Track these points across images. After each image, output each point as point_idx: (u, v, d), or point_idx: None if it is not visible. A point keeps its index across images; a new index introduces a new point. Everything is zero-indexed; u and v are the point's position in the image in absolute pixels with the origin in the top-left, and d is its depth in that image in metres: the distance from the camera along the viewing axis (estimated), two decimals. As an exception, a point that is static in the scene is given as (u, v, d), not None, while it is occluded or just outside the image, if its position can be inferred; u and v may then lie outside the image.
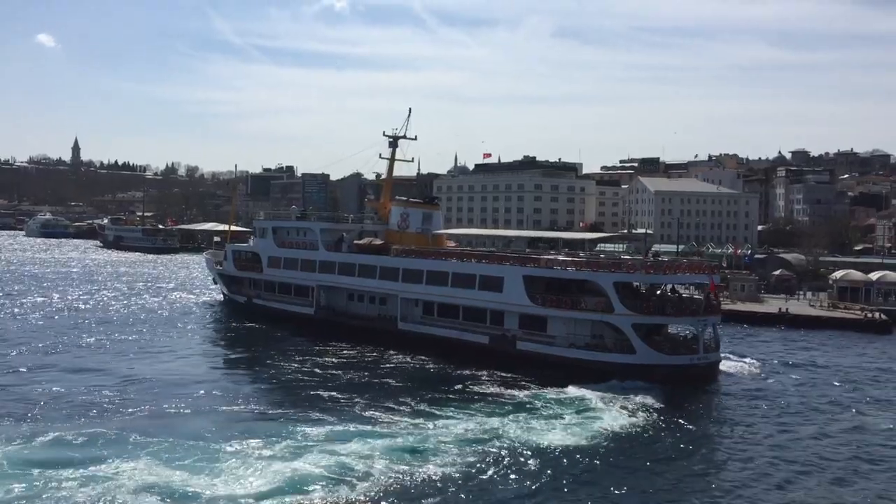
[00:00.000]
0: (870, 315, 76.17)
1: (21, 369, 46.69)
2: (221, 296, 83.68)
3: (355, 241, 66.86)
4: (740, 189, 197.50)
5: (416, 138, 73.08)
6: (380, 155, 73.37)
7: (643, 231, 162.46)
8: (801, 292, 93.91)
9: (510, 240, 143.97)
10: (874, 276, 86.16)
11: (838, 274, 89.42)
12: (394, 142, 72.52)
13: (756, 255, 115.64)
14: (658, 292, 52.08)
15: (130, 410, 38.15)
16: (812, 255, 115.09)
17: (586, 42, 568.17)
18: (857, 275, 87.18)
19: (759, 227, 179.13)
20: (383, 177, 75.72)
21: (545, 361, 49.24)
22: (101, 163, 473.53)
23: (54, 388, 41.82)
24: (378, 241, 65.71)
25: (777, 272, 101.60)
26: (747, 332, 70.01)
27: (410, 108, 73.00)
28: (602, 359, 48.18)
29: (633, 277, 51.13)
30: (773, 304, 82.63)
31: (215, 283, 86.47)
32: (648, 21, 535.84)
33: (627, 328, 48.10)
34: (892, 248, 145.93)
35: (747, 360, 55.07)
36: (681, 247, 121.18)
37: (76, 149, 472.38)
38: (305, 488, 28.49)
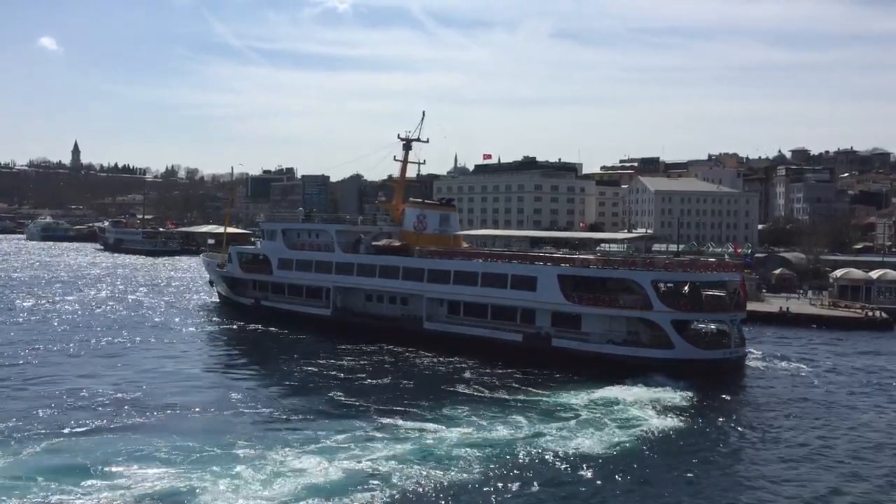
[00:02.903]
0: (871, 313, 76.15)
1: (28, 375, 46.06)
2: (217, 298, 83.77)
3: (373, 243, 67.04)
4: (740, 188, 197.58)
5: (427, 141, 73.93)
6: (394, 157, 73.89)
7: (644, 231, 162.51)
8: (802, 291, 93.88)
9: (511, 240, 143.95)
10: (875, 274, 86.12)
11: (839, 272, 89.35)
12: (407, 144, 72.86)
13: (756, 254, 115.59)
14: (685, 290, 53.05)
15: (143, 415, 37.69)
16: (812, 253, 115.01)
17: (585, 43, 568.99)
18: (857, 273, 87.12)
19: (760, 226, 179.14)
20: (395, 177, 75.70)
21: (582, 358, 50.04)
22: (101, 166, 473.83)
23: (62, 393, 41.47)
24: (396, 243, 65.99)
25: (777, 271, 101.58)
26: (749, 332, 69.79)
27: (424, 112, 73.47)
28: (641, 354, 49.17)
29: (670, 276, 52.30)
30: (773, 304, 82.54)
31: (212, 285, 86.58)
32: (646, 22, 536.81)
33: (666, 324, 49.28)
34: (893, 246, 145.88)
35: (763, 358, 55.98)
36: (681, 246, 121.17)
37: (76, 152, 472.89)
38: (324, 495, 27.91)
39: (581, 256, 59.71)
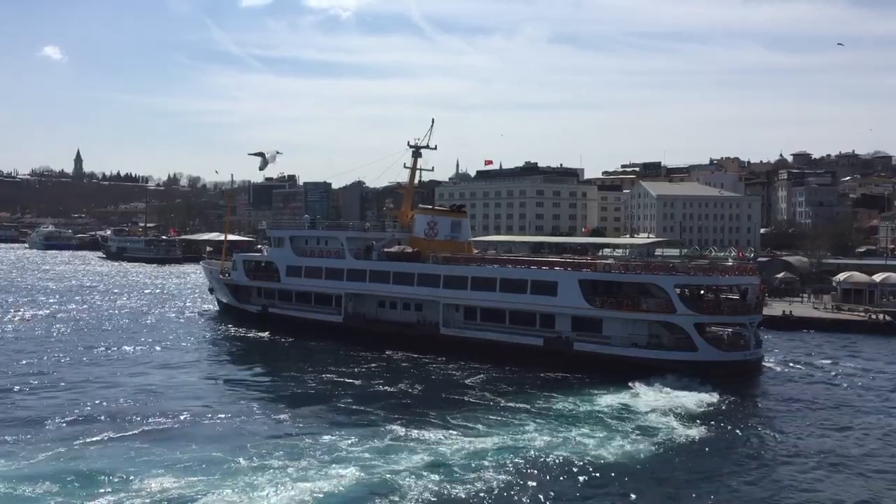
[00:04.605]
0: (874, 317, 75.93)
1: (36, 384, 45.74)
2: (217, 305, 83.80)
3: (385, 249, 67.27)
4: (742, 192, 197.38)
5: (436, 148, 74.17)
6: (404, 165, 74.22)
7: (646, 236, 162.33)
8: (805, 294, 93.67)
9: (513, 245, 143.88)
10: (878, 277, 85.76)
11: (842, 276, 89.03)
12: (416, 151, 73.19)
13: (759, 258, 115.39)
14: (701, 293, 53.93)
15: (155, 423, 37.47)
16: (815, 257, 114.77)
17: (583, 48, 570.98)
18: (860, 276, 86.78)
19: (762, 230, 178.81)
20: (403, 184, 75.88)
21: (604, 361, 50.54)
22: (104, 174, 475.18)
23: (72, 401, 41.34)
24: (409, 249, 66.25)
25: (780, 275, 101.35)
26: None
27: (433, 119, 74.09)
28: (665, 357, 49.76)
29: (693, 279, 53.13)
30: (776, 307, 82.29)
31: (212, 292, 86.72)
32: (644, 26, 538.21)
33: (690, 327, 50.07)
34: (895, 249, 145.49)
35: (773, 361, 56.38)
36: (684, 250, 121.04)
37: (78, 160, 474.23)
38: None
39: (602, 261, 60.86)
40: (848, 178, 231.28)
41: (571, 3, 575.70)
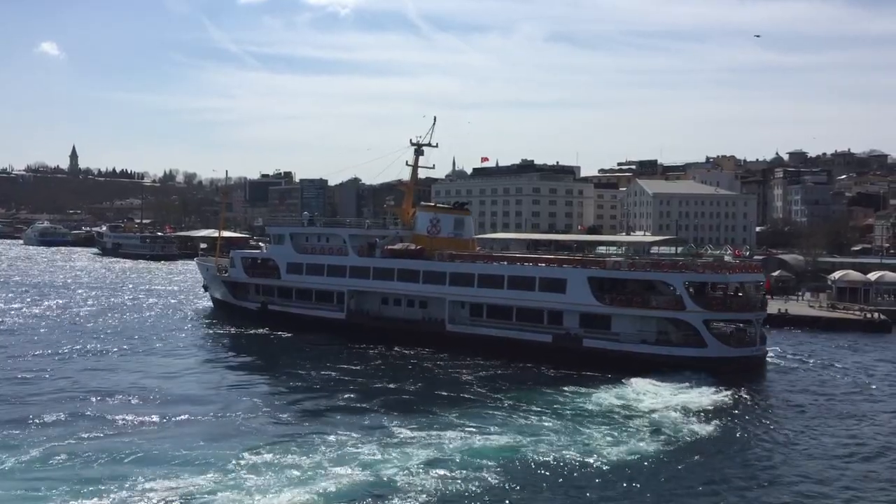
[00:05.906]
0: (869, 315, 76.20)
1: (32, 381, 45.49)
2: (212, 302, 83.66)
3: (388, 247, 67.29)
4: (738, 190, 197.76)
5: (437, 146, 74.08)
6: (406, 162, 74.41)
7: (642, 233, 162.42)
8: (800, 293, 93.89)
9: (510, 243, 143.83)
10: (873, 276, 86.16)
11: (837, 274, 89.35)
12: (418, 149, 73.25)
13: (755, 257, 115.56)
14: (707, 290, 54.51)
15: (156, 420, 37.34)
16: (811, 255, 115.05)
17: (580, 47, 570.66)
18: (855, 275, 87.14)
19: (758, 228, 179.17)
20: (405, 181, 75.94)
21: (614, 358, 50.97)
22: (99, 170, 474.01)
23: (72, 399, 41.16)
24: (413, 246, 66.34)
25: (776, 273, 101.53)
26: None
27: (435, 117, 74.01)
28: (676, 353, 50.33)
29: (703, 277, 53.67)
30: (772, 305, 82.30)
31: (206, 289, 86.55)
32: (640, 25, 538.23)
33: (699, 324, 50.65)
34: (891, 247, 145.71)
35: (776, 357, 56.96)
36: (679, 248, 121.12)
37: (74, 157, 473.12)
38: (341, 502, 27.67)
39: (611, 259, 61.80)
40: (844, 176, 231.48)
41: (568, 1, 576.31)
